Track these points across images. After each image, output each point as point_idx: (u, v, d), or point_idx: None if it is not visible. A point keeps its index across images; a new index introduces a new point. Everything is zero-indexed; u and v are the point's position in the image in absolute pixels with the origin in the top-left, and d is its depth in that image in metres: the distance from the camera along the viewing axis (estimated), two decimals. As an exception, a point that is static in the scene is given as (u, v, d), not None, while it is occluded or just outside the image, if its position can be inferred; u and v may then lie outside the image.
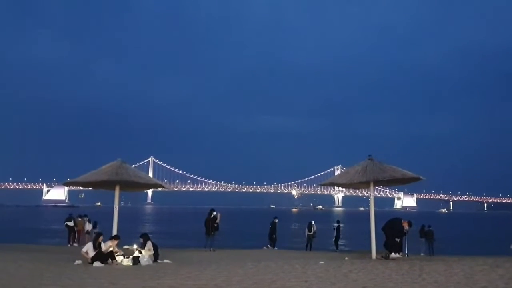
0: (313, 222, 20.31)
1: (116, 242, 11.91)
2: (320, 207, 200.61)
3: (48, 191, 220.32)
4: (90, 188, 15.72)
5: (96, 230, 18.13)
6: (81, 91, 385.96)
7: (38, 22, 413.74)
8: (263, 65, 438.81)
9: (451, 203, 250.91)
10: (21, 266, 10.74)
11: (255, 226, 46.97)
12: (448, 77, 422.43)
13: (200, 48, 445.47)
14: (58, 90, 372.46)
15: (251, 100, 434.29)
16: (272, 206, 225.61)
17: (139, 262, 11.46)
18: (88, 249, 11.54)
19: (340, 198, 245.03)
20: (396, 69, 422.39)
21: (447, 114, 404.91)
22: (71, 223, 20.47)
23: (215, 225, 17.63)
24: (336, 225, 20.58)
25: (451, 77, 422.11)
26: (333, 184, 16.12)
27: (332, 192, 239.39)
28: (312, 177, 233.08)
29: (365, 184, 14.05)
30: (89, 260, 11.21)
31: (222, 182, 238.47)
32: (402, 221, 14.47)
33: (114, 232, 12.74)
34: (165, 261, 12.23)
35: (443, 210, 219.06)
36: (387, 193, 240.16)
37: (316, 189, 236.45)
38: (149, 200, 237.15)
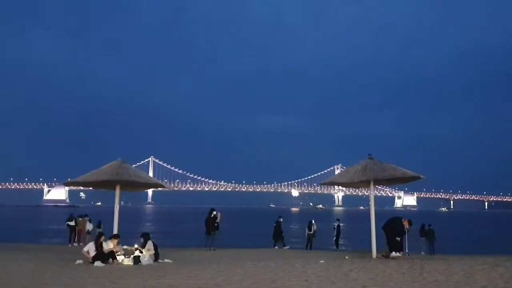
0: (313, 222, 20.30)
1: (116, 241, 11.94)
2: (320, 206, 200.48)
3: (48, 191, 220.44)
4: (90, 188, 15.71)
5: (101, 230, 18.12)
6: (81, 91, 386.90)
7: (39, 22, 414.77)
8: (263, 65, 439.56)
9: (451, 202, 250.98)
10: (22, 265, 10.76)
11: (255, 225, 47.03)
12: (448, 77, 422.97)
13: (200, 48, 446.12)
14: (59, 90, 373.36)
15: (251, 100, 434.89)
16: (272, 206, 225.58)
17: (140, 262, 11.48)
18: (89, 248, 11.57)
19: (340, 197, 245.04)
20: (396, 68, 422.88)
21: (447, 113, 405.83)
22: (72, 223, 20.42)
23: (215, 224, 17.63)
24: (336, 224, 20.56)
25: (451, 77, 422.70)
26: (333, 183, 16.08)
27: (332, 191, 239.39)
28: (312, 176, 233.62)
29: (365, 183, 14.05)
30: (90, 260, 11.24)
31: (222, 181, 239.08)
32: (403, 220, 14.47)
33: (115, 232, 12.76)
34: (166, 260, 12.25)
35: (443, 209, 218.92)
36: (387, 192, 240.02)
37: (316, 188, 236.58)
38: (149, 200, 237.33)
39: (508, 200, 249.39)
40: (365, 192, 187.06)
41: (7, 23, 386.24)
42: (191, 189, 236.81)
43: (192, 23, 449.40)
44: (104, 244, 11.64)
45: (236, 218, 64.02)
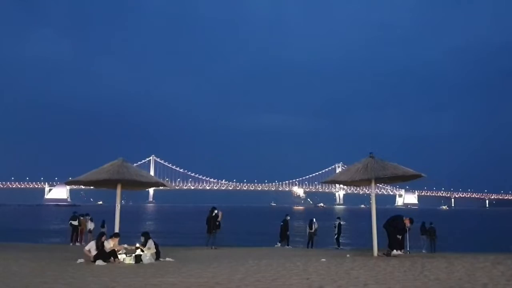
0: (314, 220, 20.31)
1: (116, 240, 11.96)
2: (321, 204, 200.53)
3: (50, 190, 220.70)
4: (91, 187, 15.72)
5: (104, 230, 18.12)
6: (82, 90, 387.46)
7: (39, 22, 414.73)
8: (263, 64, 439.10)
9: (452, 200, 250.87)
10: (23, 265, 10.79)
11: (256, 224, 47.03)
12: (449, 75, 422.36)
13: (200, 47, 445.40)
14: (59, 89, 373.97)
15: (252, 99, 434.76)
16: (273, 204, 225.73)
17: (141, 261, 11.50)
18: (91, 247, 11.59)
19: (341, 196, 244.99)
20: (397, 67, 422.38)
21: (449, 112, 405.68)
22: (76, 223, 20.31)
23: (217, 223, 17.65)
24: (337, 222, 20.57)
25: (452, 75, 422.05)
26: (334, 182, 16.07)
27: (333, 190, 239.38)
28: (313, 175, 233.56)
29: (366, 182, 14.03)
30: (92, 259, 11.26)
31: (223, 180, 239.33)
32: (404, 218, 14.46)
33: (117, 231, 12.78)
34: (167, 259, 12.27)
35: (444, 207, 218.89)
36: (389, 190, 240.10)
37: (317, 187, 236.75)
38: (150, 199, 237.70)
39: (509, 198, 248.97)
40: (366, 190, 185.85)
41: (7, 22, 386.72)
42: (192, 188, 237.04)
43: (192, 23, 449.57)
44: (106, 242, 11.66)
45: (237, 217, 64.05)
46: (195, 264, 11.00)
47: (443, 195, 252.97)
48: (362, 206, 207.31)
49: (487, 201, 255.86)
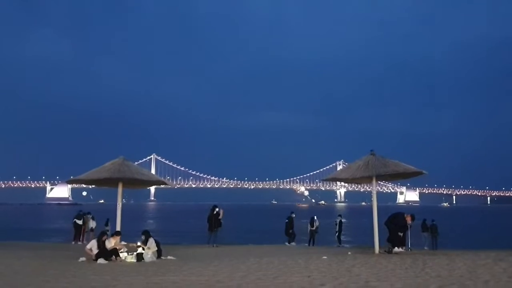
0: (315, 217, 20.30)
1: (117, 238, 11.97)
2: (323, 202, 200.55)
3: (51, 189, 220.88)
4: (93, 186, 15.73)
5: (108, 228, 18.12)
6: (83, 90, 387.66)
7: (39, 22, 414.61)
8: (264, 63, 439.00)
9: (454, 197, 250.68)
10: (25, 263, 10.81)
11: (257, 222, 47.08)
12: (450, 72, 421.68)
13: (200, 47, 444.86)
14: (60, 88, 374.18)
15: (252, 98, 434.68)
16: (274, 202, 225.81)
17: (143, 259, 11.51)
18: (92, 246, 11.61)
19: (342, 193, 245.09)
20: (397, 64, 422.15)
21: (450, 109, 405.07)
22: (80, 221, 20.20)
23: (218, 221, 17.66)
24: (338, 220, 20.55)
25: (453, 72, 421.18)
26: (335, 179, 16.09)
27: (334, 188, 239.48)
28: (314, 172, 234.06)
29: (367, 179, 14.02)
30: (93, 257, 11.28)
31: (224, 178, 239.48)
32: (405, 215, 14.44)
33: (118, 229, 12.79)
34: (169, 257, 12.28)
35: (445, 204, 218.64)
36: (390, 187, 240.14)
37: (318, 185, 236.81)
38: (151, 197, 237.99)
39: (511, 195, 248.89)
40: (367, 188, 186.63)
41: (7, 22, 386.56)
42: (193, 186, 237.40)
43: (193, 23, 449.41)
44: (107, 241, 11.68)
45: (239, 215, 64.10)
46: (196, 262, 11.01)
47: (445, 192, 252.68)
48: (363, 203, 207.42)
49: (488, 198, 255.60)
